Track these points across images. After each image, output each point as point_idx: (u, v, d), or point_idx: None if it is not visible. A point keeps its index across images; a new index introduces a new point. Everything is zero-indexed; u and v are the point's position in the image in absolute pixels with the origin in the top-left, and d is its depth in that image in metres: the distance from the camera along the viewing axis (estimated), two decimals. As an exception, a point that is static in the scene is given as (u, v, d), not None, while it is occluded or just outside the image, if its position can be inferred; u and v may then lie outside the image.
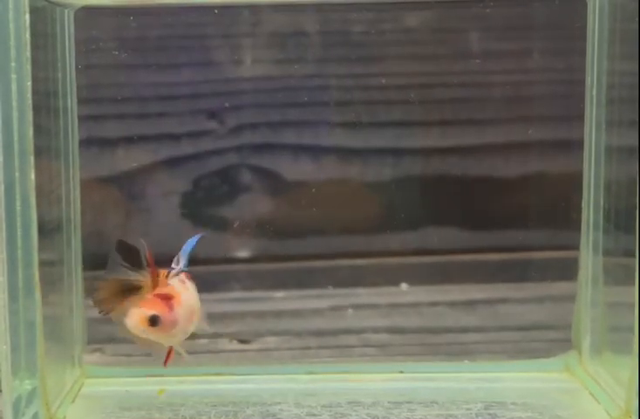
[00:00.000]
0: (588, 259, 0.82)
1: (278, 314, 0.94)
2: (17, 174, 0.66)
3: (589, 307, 0.82)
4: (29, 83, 0.66)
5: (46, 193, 0.74)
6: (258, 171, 0.94)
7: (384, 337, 0.92)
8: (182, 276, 0.69)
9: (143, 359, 0.84)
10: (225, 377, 0.82)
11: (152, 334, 0.65)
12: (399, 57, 0.93)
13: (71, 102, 0.81)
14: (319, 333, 0.92)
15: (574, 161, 0.84)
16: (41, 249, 0.68)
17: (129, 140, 0.92)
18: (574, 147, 0.84)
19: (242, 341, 0.91)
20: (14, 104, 0.66)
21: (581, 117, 0.82)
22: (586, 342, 0.82)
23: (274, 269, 0.96)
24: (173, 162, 0.93)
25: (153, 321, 0.64)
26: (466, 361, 0.85)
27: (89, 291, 0.84)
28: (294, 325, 0.93)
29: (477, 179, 0.95)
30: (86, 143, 0.87)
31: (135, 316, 0.65)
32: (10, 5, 0.65)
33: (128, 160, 0.92)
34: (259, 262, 0.95)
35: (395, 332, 0.93)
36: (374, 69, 0.93)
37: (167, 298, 0.65)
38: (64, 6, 0.79)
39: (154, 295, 0.65)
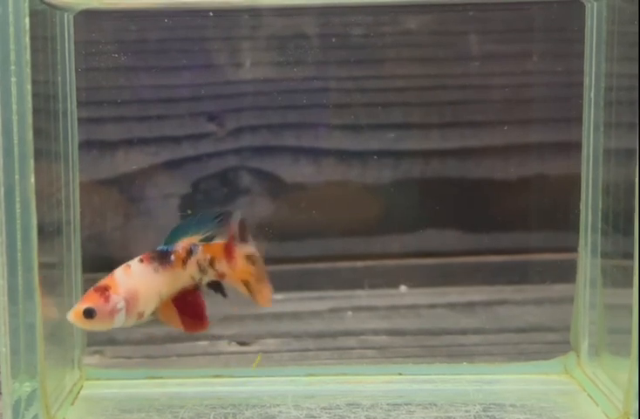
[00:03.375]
0: (587, 261, 0.82)
1: (278, 316, 0.94)
2: (16, 177, 0.66)
3: (588, 309, 0.82)
4: (29, 86, 0.67)
5: (46, 196, 0.74)
6: (258, 173, 0.94)
7: (383, 339, 0.92)
8: (132, 261, 0.71)
9: (143, 361, 0.84)
10: (224, 379, 0.82)
11: (93, 326, 0.69)
12: (399, 59, 0.93)
13: (71, 105, 0.81)
14: (318, 335, 0.92)
15: (573, 164, 0.84)
16: (41, 252, 0.68)
17: (129, 143, 0.92)
18: (573, 149, 0.84)
19: (242, 343, 0.91)
20: (14, 107, 0.66)
21: (579, 119, 0.83)
22: (584, 344, 0.82)
23: (273, 271, 0.96)
24: (172, 165, 0.94)
25: (89, 314, 0.68)
26: (464, 363, 0.85)
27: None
28: (293, 327, 0.93)
29: (476, 181, 0.95)
30: (86, 146, 0.87)
31: (72, 312, 0.68)
32: (10, 8, 0.65)
33: (128, 162, 0.92)
34: (258, 264, 0.95)
35: (394, 334, 0.93)
36: (373, 71, 0.93)
37: (103, 290, 0.69)
38: (63, 9, 0.79)
39: (93, 289, 0.69)
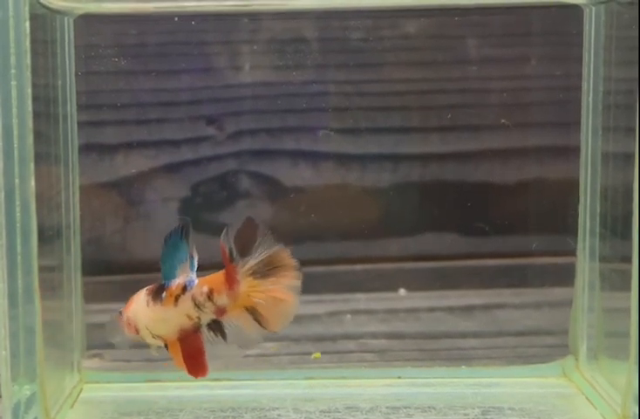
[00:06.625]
0: (585, 265, 0.82)
1: (277, 320, 0.94)
2: (16, 180, 0.67)
3: (586, 313, 0.82)
4: (29, 90, 0.67)
5: (46, 199, 0.74)
6: (257, 177, 0.94)
7: (382, 342, 0.92)
8: (143, 290, 0.71)
9: (142, 364, 0.84)
10: (223, 382, 0.82)
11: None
12: (398, 63, 0.93)
13: (71, 108, 0.81)
14: (318, 339, 0.92)
15: (571, 168, 0.84)
16: (41, 255, 0.69)
17: (128, 147, 0.92)
18: (571, 153, 0.85)
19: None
20: (14, 111, 0.66)
21: (578, 123, 0.83)
22: (583, 348, 0.82)
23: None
24: (172, 168, 0.94)
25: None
26: (463, 367, 0.86)
27: (88, 296, 0.84)
28: (292, 330, 0.93)
29: (475, 185, 0.95)
30: (86, 149, 0.87)
31: None
32: (11, 13, 0.66)
33: (127, 166, 0.92)
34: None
35: (393, 337, 0.93)
36: (373, 75, 0.93)
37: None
38: (64, 13, 0.79)
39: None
